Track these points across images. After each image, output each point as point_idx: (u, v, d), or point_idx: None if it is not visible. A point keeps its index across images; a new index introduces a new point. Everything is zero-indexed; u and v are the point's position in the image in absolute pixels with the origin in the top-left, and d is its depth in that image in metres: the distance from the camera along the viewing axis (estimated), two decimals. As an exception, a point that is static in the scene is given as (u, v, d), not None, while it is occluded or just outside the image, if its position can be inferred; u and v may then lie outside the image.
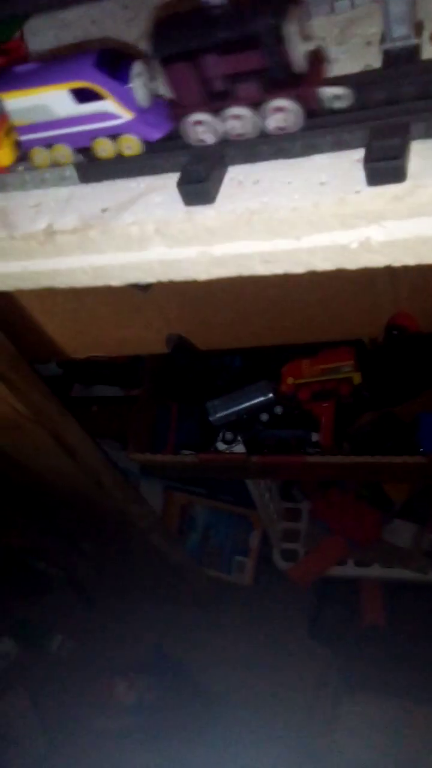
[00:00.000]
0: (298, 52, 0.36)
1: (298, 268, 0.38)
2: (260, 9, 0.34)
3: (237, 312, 0.82)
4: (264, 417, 1.11)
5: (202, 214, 0.38)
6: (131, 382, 1.30)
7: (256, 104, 0.37)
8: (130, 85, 0.40)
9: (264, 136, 0.38)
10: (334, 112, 0.37)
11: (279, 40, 0.34)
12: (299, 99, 0.36)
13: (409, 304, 0.73)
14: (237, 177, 0.39)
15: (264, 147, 0.38)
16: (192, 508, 1.54)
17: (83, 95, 0.41)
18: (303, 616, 1.52)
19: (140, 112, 0.41)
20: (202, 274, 0.41)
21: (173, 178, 0.39)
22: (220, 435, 1.09)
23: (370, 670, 1.42)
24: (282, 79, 0.36)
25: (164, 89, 0.39)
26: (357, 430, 1.08)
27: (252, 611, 1.54)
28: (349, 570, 1.45)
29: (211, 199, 0.38)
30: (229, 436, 1.09)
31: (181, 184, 0.38)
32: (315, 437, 1.09)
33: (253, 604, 1.54)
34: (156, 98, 0.42)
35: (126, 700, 1.48)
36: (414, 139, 0.34)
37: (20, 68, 0.44)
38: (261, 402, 1.11)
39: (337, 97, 0.37)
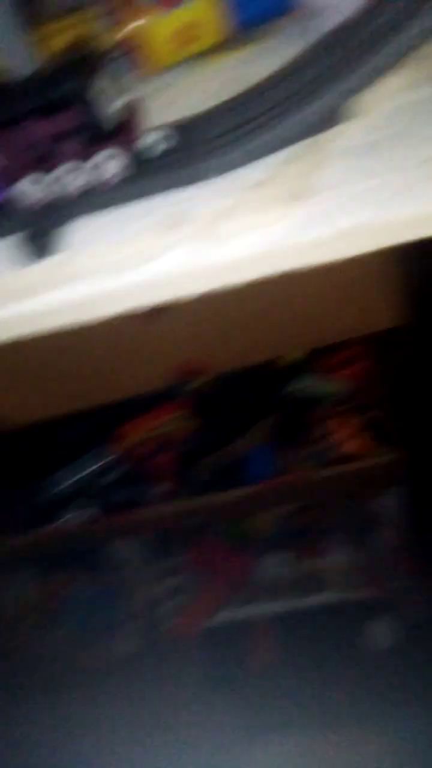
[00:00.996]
0: (113, 106, 0.39)
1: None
2: (67, 73, 0.38)
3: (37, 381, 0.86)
4: (109, 478, 1.14)
5: None
6: None
7: (84, 158, 0.40)
8: None
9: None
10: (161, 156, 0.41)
11: (88, 100, 0.38)
12: (121, 148, 0.39)
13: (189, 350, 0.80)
14: None
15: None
16: (70, 585, 1.52)
17: None
18: (196, 670, 1.51)
19: None
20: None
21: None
22: (65, 506, 1.11)
23: (270, 709, 1.43)
24: (100, 133, 0.39)
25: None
26: (197, 474, 1.13)
27: (143, 678, 1.52)
28: (232, 613, 1.47)
29: None
30: (74, 504, 1.11)
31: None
32: (160, 488, 1.13)
33: (144, 670, 1.52)
34: None
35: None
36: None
37: None
38: (103, 464, 1.14)
39: (156, 142, 0.40)
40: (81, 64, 0.39)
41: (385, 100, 0.41)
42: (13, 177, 0.40)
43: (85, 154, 0.39)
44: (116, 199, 0.41)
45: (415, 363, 0.94)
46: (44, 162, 0.40)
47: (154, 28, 0.49)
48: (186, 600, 1.49)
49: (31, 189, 0.41)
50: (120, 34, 0.51)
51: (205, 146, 0.38)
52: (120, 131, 0.39)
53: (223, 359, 0.89)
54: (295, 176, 0.37)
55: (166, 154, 0.41)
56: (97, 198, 0.41)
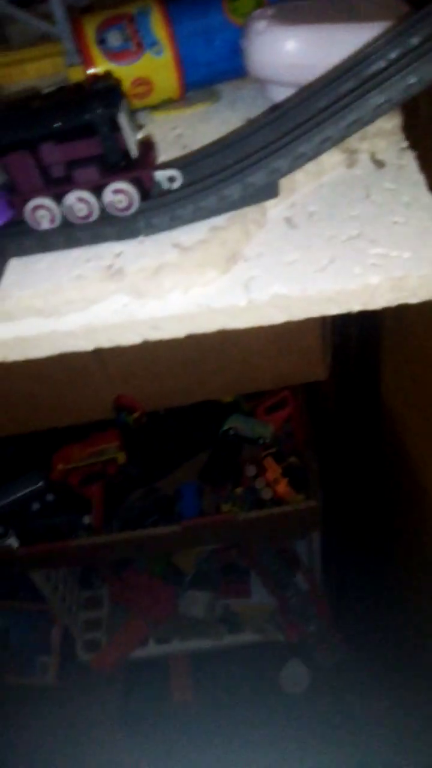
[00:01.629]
0: (131, 139, 0.40)
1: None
2: (97, 100, 0.38)
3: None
4: (35, 506, 1.12)
5: None
6: None
7: (95, 188, 0.39)
8: None
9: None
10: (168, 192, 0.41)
11: (114, 128, 0.38)
12: (136, 181, 0.39)
13: (124, 385, 0.81)
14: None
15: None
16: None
17: None
18: (112, 706, 1.48)
19: None
20: None
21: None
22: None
23: (185, 747, 1.42)
24: (119, 163, 0.39)
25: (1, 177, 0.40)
26: (125, 507, 1.13)
27: (59, 711, 1.48)
28: (152, 649, 1.46)
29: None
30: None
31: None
32: (87, 520, 1.12)
33: (60, 703, 1.48)
34: None
35: None
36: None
37: None
38: (31, 491, 1.12)
39: (171, 179, 0.41)
40: (108, 94, 0.38)
41: (317, 178, 0.45)
42: (20, 199, 0.40)
43: (99, 183, 0.39)
44: (57, 243, 0.41)
45: (334, 415, 0.98)
46: (55, 186, 0.39)
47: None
48: (106, 635, 1.47)
49: (36, 213, 0.40)
50: (84, 76, 0.53)
51: (144, 204, 0.41)
52: (136, 165, 0.39)
53: (159, 397, 0.91)
54: (230, 242, 0.40)
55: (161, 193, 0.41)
56: (44, 238, 0.41)
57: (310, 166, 0.45)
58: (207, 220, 0.41)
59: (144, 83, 0.52)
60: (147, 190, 0.40)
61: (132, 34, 0.50)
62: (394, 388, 0.85)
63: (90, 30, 0.50)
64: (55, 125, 0.38)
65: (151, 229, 0.41)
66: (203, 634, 1.43)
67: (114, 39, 0.50)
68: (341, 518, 1.25)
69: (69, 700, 1.49)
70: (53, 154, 0.39)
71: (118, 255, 0.41)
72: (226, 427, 1.15)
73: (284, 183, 0.44)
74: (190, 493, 1.10)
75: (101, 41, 0.50)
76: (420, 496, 0.81)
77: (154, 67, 0.51)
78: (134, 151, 0.40)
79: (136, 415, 1.15)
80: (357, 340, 0.94)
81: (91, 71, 0.51)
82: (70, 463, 1.15)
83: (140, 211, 0.40)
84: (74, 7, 0.58)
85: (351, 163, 0.46)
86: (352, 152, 0.46)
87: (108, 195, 0.39)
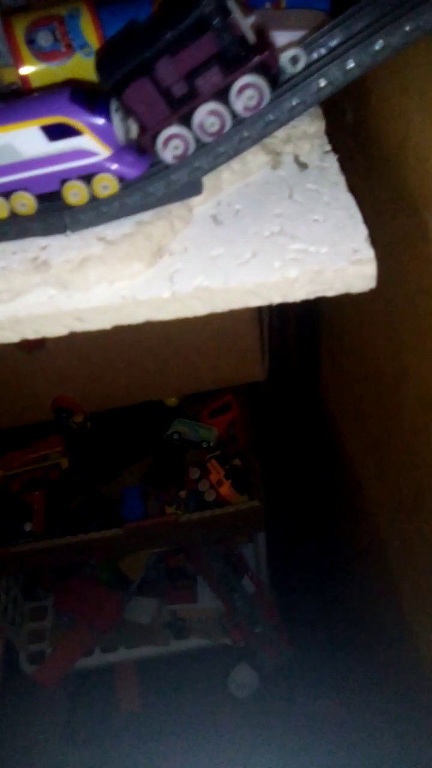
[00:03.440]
0: (244, 23, 0.37)
1: None
2: None
3: None
4: (-26, 514, 1.10)
5: None
6: None
7: (221, 93, 0.36)
8: (108, 120, 0.39)
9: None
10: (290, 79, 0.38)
11: (225, 15, 0.35)
12: (263, 68, 0.36)
13: (63, 386, 0.81)
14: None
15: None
16: None
17: (56, 132, 0.39)
18: (58, 719, 1.46)
19: (118, 149, 0.40)
20: None
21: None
22: None
23: (131, 760, 1.40)
24: (240, 54, 0.36)
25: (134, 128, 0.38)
26: (68, 513, 1.12)
27: (2, 726, 1.44)
28: (97, 658, 1.45)
29: None
30: None
31: None
32: (28, 527, 1.10)
33: (3, 717, 1.44)
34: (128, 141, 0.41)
35: None
36: None
37: None
38: (-30, 499, 1.10)
39: (294, 60, 0.37)
40: None
41: (244, 178, 0.47)
42: (152, 134, 0.37)
43: (224, 84, 0.36)
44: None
45: (275, 417, 1.00)
46: (181, 107, 0.37)
47: (40, 78, 0.52)
48: (50, 646, 1.45)
49: (171, 144, 0.38)
50: (11, 77, 0.53)
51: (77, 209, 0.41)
52: (255, 51, 0.36)
53: (100, 399, 0.90)
54: (155, 236, 0.41)
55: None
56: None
57: (237, 167, 0.47)
58: (133, 216, 0.41)
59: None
60: (275, 77, 0.37)
61: (62, 35, 0.51)
62: (330, 388, 0.87)
63: (19, 30, 0.51)
64: (167, 36, 0.35)
65: (78, 225, 0.41)
66: (149, 640, 1.43)
67: (43, 39, 0.50)
68: (286, 518, 1.27)
69: (13, 714, 1.46)
70: (171, 70, 0.36)
71: (44, 248, 0.41)
72: (170, 432, 1.15)
73: (212, 182, 0.45)
74: (133, 497, 1.10)
75: (30, 41, 0.50)
76: (356, 491, 0.83)
77: (85, 68, 0.52)
78: (251, 36, 0.37)
79: (79, 419, 1.14)
80: (295, 341, 0.96)
81: (22, 72, 0.51)
82: (12, 469, 1.14)
83: (66, 207, 0.41)
84: (10, 7, 0.58)
85: (276, 165, 0.47)
86: (277, 154, 0.48)
87: (237, 97, 0.37)
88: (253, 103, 0.37)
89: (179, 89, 0.37)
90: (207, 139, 0.38)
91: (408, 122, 0.50)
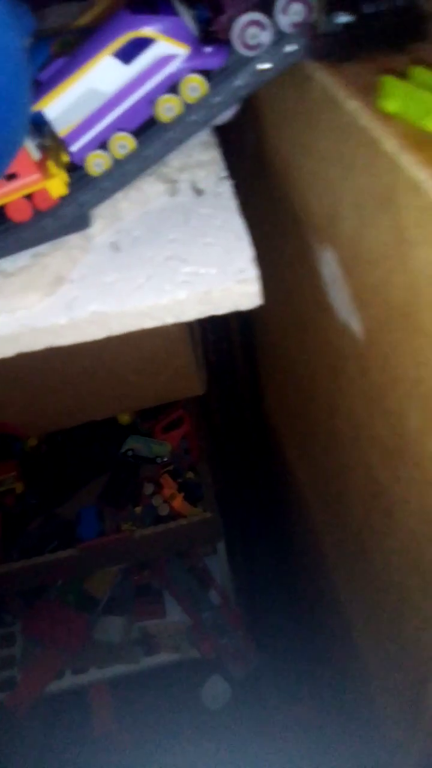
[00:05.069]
0: None
1: None
2: None
3: None
4: None
5: None
6: None
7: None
8: (177, 16, 0.36)
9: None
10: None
11: None
12: None
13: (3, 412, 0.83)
14: None
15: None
16: None
17: (129, 52, 0.37)
18: (32, 746, 1.45)
19: (195, 44, 0.37)
20: None
21: None
22: None
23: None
24: None
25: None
26: (24, 536, 1.12)
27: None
28: (69, 680, 1.44)
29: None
30: None
31: None
32: (-14, 552, 1.11)
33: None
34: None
35: None
36: None
37: (46, 72, 0.39)
38: None
39: None
40: None
41: (143, 206, 0.49)
42: (230, 17, 0.34)
43: None
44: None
45: (221, 429, 1.02)
46: None
47: None
48: (20, 672, 1.44)
49: (250, 31, 0.35)
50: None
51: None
52: None
53: (43, 422, 0.92)
54: (52, 267, 0.43)
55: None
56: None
57: (136, 196, 0.49)
58: (29, 250, 0.44)
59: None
60: None
61: None
62: (269, 398, 0.90)
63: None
64: None
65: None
66: (120, 659, 1.43)
67: None
68: (244, 528, 1.29)
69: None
70: None
71: None
72: (124, 449, 1.17)
73: (111, 212, 0.48)
74: (89, 517, 1.11)
75: None
76: (298, 497, 0.86)
77: None
78: None
79: (33, 443, 1.15)
80: (234, 355, 0.99)
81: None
82: (-33, 497, 1.14)
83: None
84: None
85: (173, 192, 0.50)
86: (173, 182, 0.51)
87: None
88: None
89: None
90: (289, 31, 0.35)
91: (291, 147, 0.53)
